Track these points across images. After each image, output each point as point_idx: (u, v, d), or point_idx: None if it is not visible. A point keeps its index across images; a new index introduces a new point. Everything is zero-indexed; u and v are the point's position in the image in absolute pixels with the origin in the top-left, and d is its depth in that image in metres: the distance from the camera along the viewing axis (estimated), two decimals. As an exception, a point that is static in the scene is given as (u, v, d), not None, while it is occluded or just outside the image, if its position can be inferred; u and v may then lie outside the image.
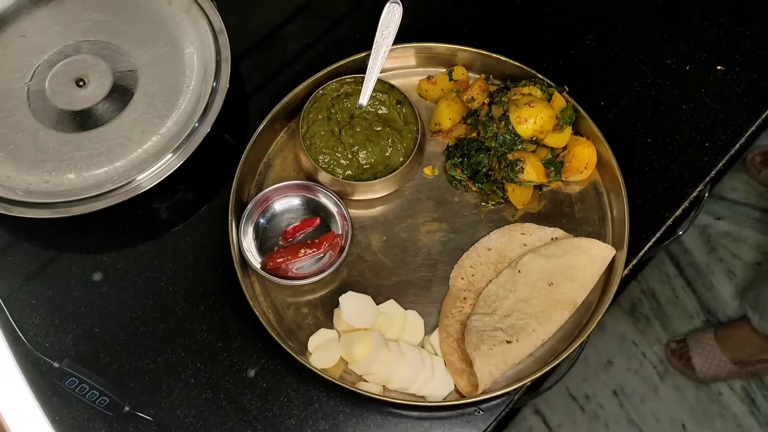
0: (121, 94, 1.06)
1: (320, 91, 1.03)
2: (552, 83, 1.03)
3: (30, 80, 1.07)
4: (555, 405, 1.85)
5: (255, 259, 0.95)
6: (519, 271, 0.94)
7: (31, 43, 1.10)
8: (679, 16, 1.17)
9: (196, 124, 1.02)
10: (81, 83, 1.07)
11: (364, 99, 1.03)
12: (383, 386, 0.90)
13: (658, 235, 1.00)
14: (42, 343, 0.94)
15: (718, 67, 1.11)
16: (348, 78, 1.04)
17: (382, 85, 1.04)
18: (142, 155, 1.02)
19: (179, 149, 1.00)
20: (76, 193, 0.98)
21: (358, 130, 1.01)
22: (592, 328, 0.91)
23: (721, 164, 1.04)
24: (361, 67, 1.05)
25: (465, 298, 0.95)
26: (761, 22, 1.14)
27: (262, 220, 0.99)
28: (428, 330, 0.95)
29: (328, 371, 0.90)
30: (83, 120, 1.05)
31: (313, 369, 0.89)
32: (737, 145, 1.05)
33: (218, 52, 1.07)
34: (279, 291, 0.96)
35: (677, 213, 1.02)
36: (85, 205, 0.98)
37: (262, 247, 0.97)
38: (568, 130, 1.01)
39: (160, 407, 0.91)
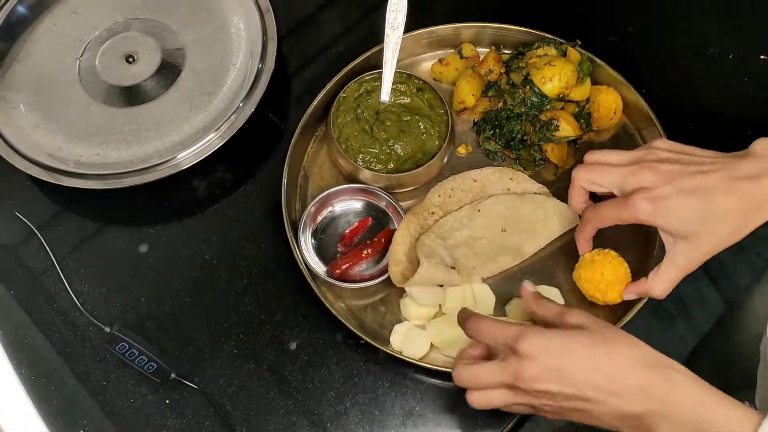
0: (169, 71, 1.08)
1: (342, 95, 1.04)
2: (563, 40, 1.05)
3: (81, 56, 1.10)
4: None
5: (320, 269, 0.96)
6: (478, 210, 0.97)
7: (83, 19, 1.12)
8: (721, 4, 1.17)
9: (241, 104, 1.04)
10: (130, 60, 1.09)
11: (385, 94, 1.05)
12: None
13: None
14: (91, 311, 0.97)
15: (762, 57, 1.11)
16: (366, 76, 1.06)
17: (399, 76, 1.05)
18: (189, 130, 1.04)
19: (223, 127, 1.03)
20: (125, 165, 1.01)
21: (388, 124, 1.03)
22: (640, 306, 0.91)
23: (762, 153, 1.04)
24: (375, 64, 1.06)
25: (433, 213, 0.99)
26: (807, 13, 1.14)
27: (318, 228, 1.00)
28: (499, 300, 0.95)
29: (425, 360, 0.91)
30: (132, 95, 1.07)
31: (415, 362, 0.90)
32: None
33: (264, 32, 1.09)
34: (352, 295, 0.97)
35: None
36: (133, 178, 1.00)
37: (325, 255, 0.98)
38: (588, 81, 1.04)
39: (204, 376, 0.93)
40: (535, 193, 1.00)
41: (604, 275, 0.90)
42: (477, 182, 1.01)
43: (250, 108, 1.04)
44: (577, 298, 0.95)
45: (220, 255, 1.01)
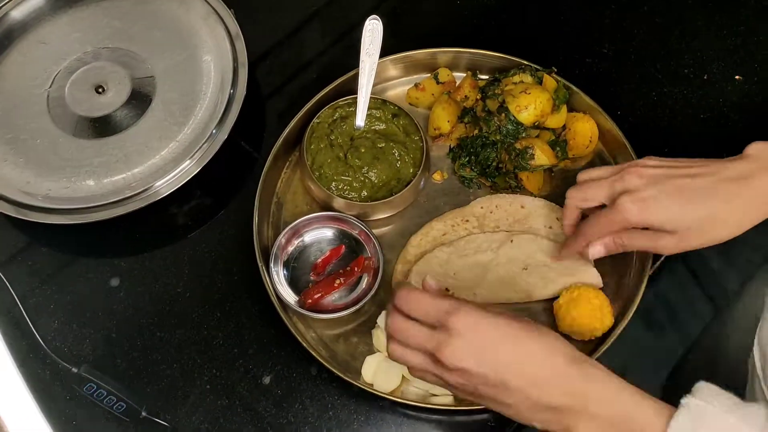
0: (139, 100, 1.07)
1: (316, 120, 1.03)
2: (539, 67, 1.04)
3: (50, 87, 1.08)
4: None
5: (292, 300, 0.95)
6: (511, 241, 0.96)
7: (52, 49, 1.11)
8: (696, 25, 1.16)
9: (214, 131, 1.03)
10: (100, 90, 1.08)
11: (360, 120, 1.03)
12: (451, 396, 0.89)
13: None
14: (60, 348, 0.95)
15: (737, 77, 1.10)
16: (340, 101, 1.05)
17: (374, 102, 1.04)
18: (159, 162, 1.02)
19: (196, 156, 1.01)
20: (94, 199, 0.99)
21: (362, 150, 1.02)
22: (613, 339, 0.91)
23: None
24: (349, 89, 1.06)
25: (467, 221, 0.99)
26: (780, 32, 1.14)
27: (290, 258, 0.98)
28: None
29: (392, 394, 0.89)
30: (102, 126, 1.06)
31: (384, 395, 0.89)
32: (755, 156, 1.04)
33: (235, 59, 1.08)
34: (324, 326, 0.95)
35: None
36: (104, 212, 0.99)
37: (297, 285, 0.97)
38: (564, 108, 1.03)
39: (176, 413, 0.92)
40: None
41: (593, 301, 0.89)
42: (524, 209, 1.00)
43: (222, 136, 1.03)
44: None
45: (193, 288, 1.00)
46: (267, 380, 0.94)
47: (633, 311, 0.91)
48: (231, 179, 1.07)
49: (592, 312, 0.89)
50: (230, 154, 1.05)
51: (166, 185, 1.00)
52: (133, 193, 0.99)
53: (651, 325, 1.90)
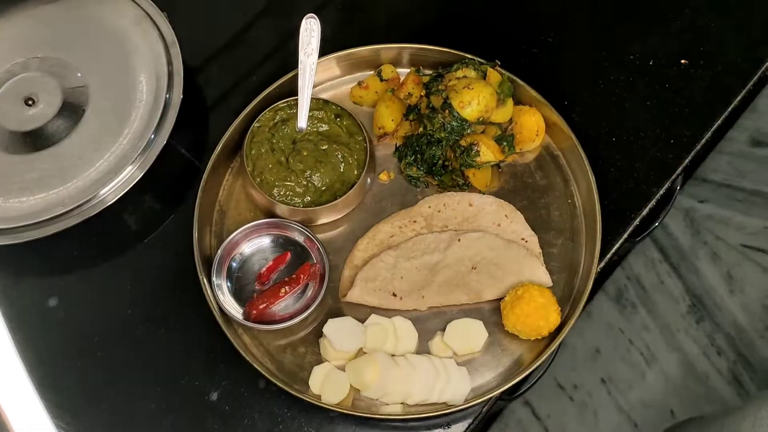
0: (71, 111, 1.03)
1: (256, 124, 1.00)
2: (483, 60, 1.02)
3: (-23, 101, 1.04)
4: (543, 395, 1.84)
5: (236, 312, 0.92)
6: (459, 240, 0.95)
7: (-23, 62, 1.07)
8: (640, 10, 1.14)
9: (152, 136, 0.99)
10: (30, 102, 1.03)
11: (302, 121, 1.00)
12: (402, 403, 0.88)
13: (624, 236, 0.98)
14: (-3, 375, 0.92)
15: (683, 61, 1.09)
16: (280, 103, 1.02)
17: (316, 103, 1.02)
18: (95, 175, 0.99)
19: (135, 163, 0.98)
20: (28, 217, 0.96)
21: (305, 154, 0.99)
22: (561, 338, 0.89)
23: (687, 161, 1.02)
24: (290, 90, 1.02)
25: (415, 221, 0.98)
26: (725, 16, 1.12)
27: (233, 268, 0.96)
28: (424, 334, 0.93)
29: (341, 404, 0.88)
30: (34, 140, 1.02)
31: (332, 408, 0.87)
32: (703, 141, 1.02)
33: (170, 63, 1.04)
34: (271, 337, 0.93)
35: (644, 213, 1.00)
36: (38, 230, 0.95)
37: (240, 296, 0.94)
38: (510, 102, 1.01)
39: (120, 435, 0.89)
40: (523, 240, 0.97)
41: (537, 300, 0.87)
42: (472, 207, 0.99)
43: (160, 143, 0.99)
44: (501, 332, 0.92)
45: (135, 304, 0.97)
46: (214, 397, 0.91)
47: (581, 309, 0.90)
48: (171, 190, 1.04)
49: (537, 311, 0.87)
50: (170, 164, 1.02)
51: (110, 193, 0.96)
52: (66, 210, 0.96)
53: (623, 306, 1.91)
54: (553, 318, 0.88)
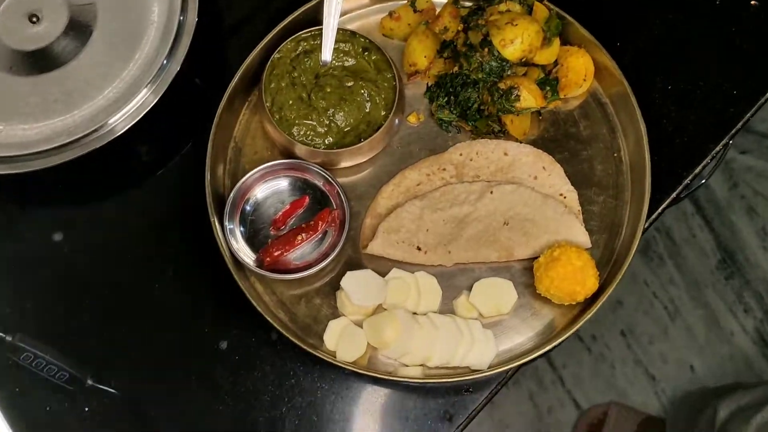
0: (78, 31, 0.95)
1: (276, 55, 0.91)
2: None
3: (-23, 15, 0.96)
4: (560, 345, 1.80)
5: (249, 258, 0.86)
6: (491, 192, 0.88)
7: (-22, -27, 0.98)
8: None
9: (165, 62, 0.92)
10: (34, 19, 0.95)
11: (326, 54, 0.91)
12: (422, 365, 0.83)
13: (673, 195, 0.90)
14: (-1, 312, 0.88)
15: (752, 2, 0.97)
16: (303, 33, 0.92)
17: (343, 34, 0.92)
18: (102, 102, 0.92)
19: (145, 90, 0.90)
20: (32, 145, 0.89)
21: (328, 90, 0.90)
22: (598, 306, 0.82)
23: (748, 115, 0.92)
24: (315, 18, 0.93)
25: (445, 170, 0.90)
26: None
27: (247, 211, 0.89)
28: (448, 291, 0.87)
29: (357, 363, 0.82)
30: (38, 61, 0.94)
31: (347, 366, 0.82)
32: (768, 94, 0.93)
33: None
34: (285, 286, 0.87)
35: (696, 171, 0.91)
36: (42, 160, 0.89)
37: (254, 242, 0.88)
38: (557, 42, 0.92)
39: (126, 380, 0.85)
40: (561, 196, 0.89)
41: (574, 263, 0.80)
42: (508, 156, 0.90)
43: (173, 71, 0.92)
44: (532, 294, 0.86)
45: (144, 242, 0.91)
46: (224, 345, 0.86)
47: (622, 274, 0.82)
48: (184, 122, 0.97)
49: (573, 274, 0.80)
50: (183, 94, 0.94)
51: (119, 122, 0.89)
52: (73, 138, 0.89)
53: (650, 258, 1.84)
54: (591, 283, 0.81)
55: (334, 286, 0.87)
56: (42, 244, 0.91)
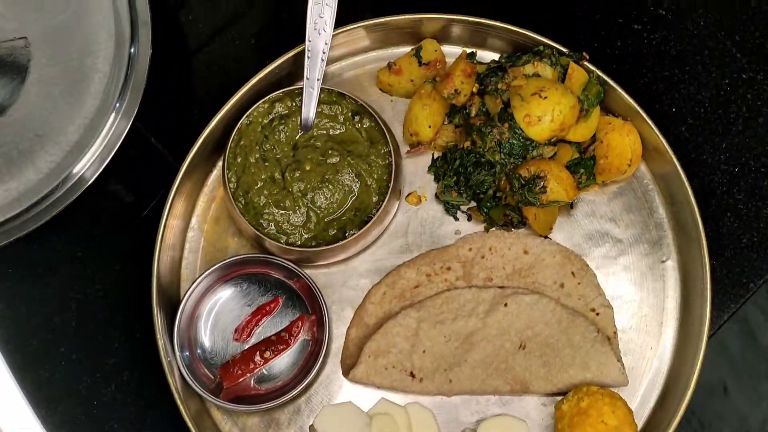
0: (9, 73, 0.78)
1: (245, 121, 0.74)
2: (564, 49, 0.73)
3: None
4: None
5: (206, 378, 0.72)
6: (505, 305, 0.71)
7: None
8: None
9: (111, 120, 0.75)
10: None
11: (308, 116, 0.73)
12: None
13: (735, 310, 0.73)
14: None
15: None
16: (280, 93, 0.74)
17: (328, 95, 0.74)
18: (44, 167, 0.75)
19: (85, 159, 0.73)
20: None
21: (307, 168, 0.73)
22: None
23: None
24: (292, 72, 0.76)
25: (449, 268, 0.74)
26: None
27: (204, 318, 0.74)
28: (447, 428, 0.71)
29: None
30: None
31: None
32: None
33: (132, 8, 0.77)
34: (247, 416, 0.73)
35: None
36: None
37: (212, 358, 0.74)
38: (596, 113, 0.73)
39: None
40: (593, 312, 0.72)
41: (608, 422, 0.64)
42: (528, 255, 0.74)
43: (122, 128, 0.74)
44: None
45: (80, 348, 0.76)
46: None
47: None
48: (136, 194, 0.80)
49: None
50: (137, 158, 0.77)
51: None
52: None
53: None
54: (624, 406, 0.65)
55: (312, 409, 0.72)
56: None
